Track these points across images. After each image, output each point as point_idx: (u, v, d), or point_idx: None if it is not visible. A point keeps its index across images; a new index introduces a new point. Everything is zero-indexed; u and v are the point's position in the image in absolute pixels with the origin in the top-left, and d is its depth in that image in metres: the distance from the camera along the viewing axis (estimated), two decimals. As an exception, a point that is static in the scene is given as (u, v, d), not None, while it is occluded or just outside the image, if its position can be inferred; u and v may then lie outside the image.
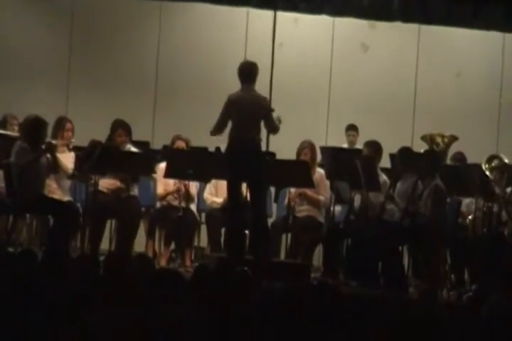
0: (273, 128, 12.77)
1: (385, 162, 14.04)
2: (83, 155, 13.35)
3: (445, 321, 7.03)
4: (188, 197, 13.72)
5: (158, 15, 16.74)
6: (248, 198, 12.93)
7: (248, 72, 12.87)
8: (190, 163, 13.41)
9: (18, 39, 16.34)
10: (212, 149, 13.77)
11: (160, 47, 16.72)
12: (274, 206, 14.16)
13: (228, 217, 13.20)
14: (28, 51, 16.30)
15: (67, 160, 13.34)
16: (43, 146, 13.20)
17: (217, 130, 12.77)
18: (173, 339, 5.59)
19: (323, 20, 16.73)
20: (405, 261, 13.44)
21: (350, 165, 13.52)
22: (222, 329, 5.97)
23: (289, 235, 13.96)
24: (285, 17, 15.79)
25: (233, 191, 12.88)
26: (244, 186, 12.84)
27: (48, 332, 5.89)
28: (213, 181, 13.93)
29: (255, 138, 12.72)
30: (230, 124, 12.70)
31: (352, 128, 15.20)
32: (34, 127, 13.25)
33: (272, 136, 12.96)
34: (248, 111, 12.71)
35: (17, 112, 14.16)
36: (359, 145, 14.59)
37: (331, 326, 6.27)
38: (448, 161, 14.09)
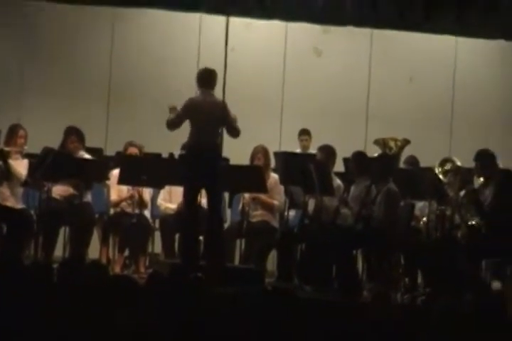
0: (235, 132, 12.91)
1: (339, 166, 14.12)
2: (36, 162, 13.36)
3: (398, 323, 7.11)
4: (141, 204, 13.82)
5: (111, 21, 16.75)
6: (201, 204, 13.05)
7: (207, 78, 12.97)
8: (144, 169, 13.43)
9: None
10: (165, 155, 13.76)
11: (113, 53, 16.74)
12: (228, 211, 14.17)
13: (183, 223, 13.24)
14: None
15: (21, 167, 13.36)
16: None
17: (173, 125, 12.88)
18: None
19: (275, 25, 16.73)
20: (359, 264, 13.50)
21: (303, 169, 13.56)
22: (174, 335, 6.00)
23: (243, 240, 13.97)
24: (238, 22, 15.81)
25: (190, 196, 12.93)
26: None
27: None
28: (167, 187, 13.98)
29: (215, 143, 12.80)
30: (189, 129, 12.80)
31: (305, 133, 15.27)
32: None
33: (224, 141, 12.98)
34: (208, 115, 12.80)
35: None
36: (312, 150, 14.61)
37: (285, 331, 6.26)
38: (401, 165, 14.14)
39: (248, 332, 6.27)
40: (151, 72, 16.44)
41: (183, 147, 13.47)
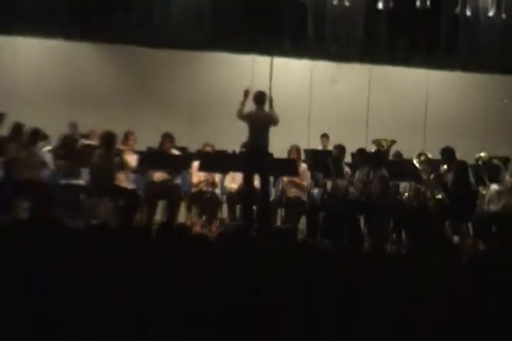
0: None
1: (348, 158, 14.15)
2: (143, 156, 13.51)
3: (386, 265, 7.12)
4: (213, 185, 13.88)
5: (188, 61, 16.74)
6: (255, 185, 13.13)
7: (260, 98, 13.08)
8: (215, 161, 13.53)
9: (98, 76, 16.39)
10: (230, 152, 13.76)
11: (191, 83, 16.70)
12: (273, 190, 14.04)
13: (243, 197, 13.32)
14: (105, 85, 16.33)
15: (132, 160, 13.42)
16: (115, 151, 13.38)
17: (239, 114, 12.90)
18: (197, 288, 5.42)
19: (304, 62, 16.81)
20: (362, 225, 13.52)
21: (323, 161, 13.63)
22: (237, 279, 5.88)
23: (283, 209, 13.98)
24: (279, 61, 15.90)
25: (248, 180, 13.05)
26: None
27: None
28: (231, 173, 13.97)
29: (265, 143, 12.92)
30: (243, 136, 12.88)
31: (324, 136, 15.16)
32: (108, 138, 13.38)
33: (270, 142, 13.04)
34: (260, 123, 12.90)
35: (97, 128, 14.18)
36: (330, 148, 14.57)
37: (311, 271, 6.22)
38: (390, 157, 14.08)
39: (286, 271, 6.16)
40: (219, 96, 16.34)
41: (242, 146, 13.58)
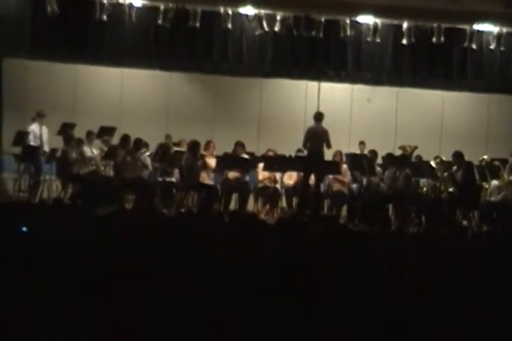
0: (329, 146, 13.29)
1: (379, 160, 14.10)
2: (220, 160, 13.59)
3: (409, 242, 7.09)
4: (275, 181, 13.88)
5: (259, 86, 16.81)
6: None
7: (318, 116, 13.25)
8: (276, 162, 13.59)
9: (187, 98, 16.40)
10: (287, 155, 13.79)
11: (261, 102, 16.78)
12: (321, 185, 13.97)
13: (300, 191, 13.39)
14: (192, 105, 16.36)
15: (212, 162, 13.54)
16: (199, 156, 13.49)
17: (304, 146, 13.39)
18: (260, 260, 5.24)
19: (346, 86, 16.78)
20: (390, 212, 13.51)
21: (360, 162, 13.65)
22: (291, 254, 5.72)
23: (329, 200, 14.01)
24: (326, 85, 15.91)
25: (306, 177, 13.24)
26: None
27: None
28: (288, 172, 13.93)
29: (321, 151, 13.16)
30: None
31: (362, 143, 15.00)
32: (193, 146, 13.50)
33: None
34: (318, 136, 13.03)
35: (186, 138, 14.25)
36: (365, 152, 14.44)
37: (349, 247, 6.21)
38: (412, 159, 14.01)
39: (330, 246, 6.07)
40: (279, 113, 16.35)
41: (297, 151, 13.66)
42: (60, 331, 3.71)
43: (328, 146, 13.32)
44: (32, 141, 13.66)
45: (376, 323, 4.04)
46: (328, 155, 13.83)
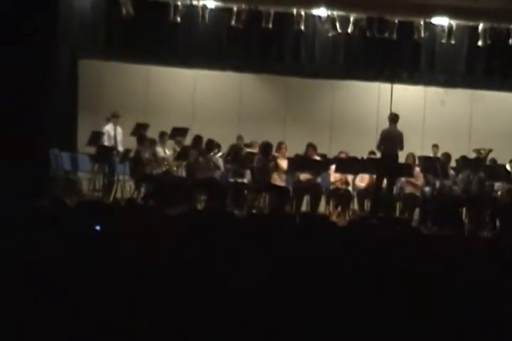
0: (401, 148, 13.13)
1: (453, 163, 13.94)
2: (292, 161, 13.58)
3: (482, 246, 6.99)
4: (346, 183, 13.79)
5: (332, 88, 16.78)
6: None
7: (393, 118, 13.17)
8: (348, 164, 13.53)
9: (259, 99, 16.46)
10: (359, 158, 13.73)
11: (333, 105, 16.72)
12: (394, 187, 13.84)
13: (373, 193, 13.30)
14: (264, 106, 16.37)
15: (284, 164, 13.52)
16: (271, 157, 13.50)
17: (378, 148, 13.25)
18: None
19: (419, 88, 16.66)
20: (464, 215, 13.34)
21: (433, 165, 13.49)
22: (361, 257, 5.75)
23: (401, 203, 13.83)
24: (400, 87, 15.80)
25: (379, 180, 13.17)
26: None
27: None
28: (360, 174, 13.82)
29: (395, 153, 12.99)
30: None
31: (435, 146, 14.81)
32: (265, 147, 13.51)
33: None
34: (392, 139, 12.95)
35: (257, 139, 14.20)
36: (439, 155, 14.23)
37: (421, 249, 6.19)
38: (487, 163, 13.81)
39: (401, 250, 6.11)
40: (352, 115, 16.31)
41: (369, 153, 13.59)
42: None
43: (401, 148, 13.21)
44: (106, 141, 13.86)
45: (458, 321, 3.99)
46: (401, 157, 13.69)
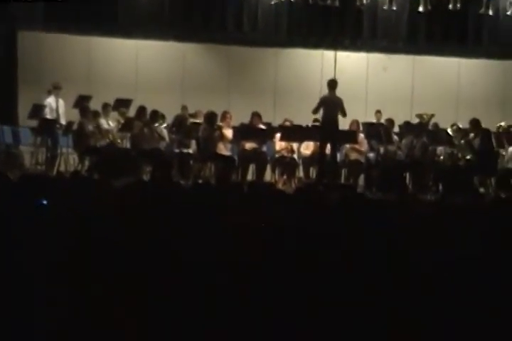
0: (344, 115, 13.00)
1: (396, 129, 14.05)
2: (237, 130, 13.56)
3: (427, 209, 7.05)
4: (291, 151, 13.80)
5: (275, 55, 16.74)
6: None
7: (332, 84, 13.09)
8: (293, 133, 13.52)
9: (202, 69, 16.37)
10: (304, 125, 13.73)
11: (277, 72, 16.73)
12: (338, 154, 13.95)
13: (318, 160, 13.28)
14: (208, 76, 16.33)
15: (229, 133, 13.50)
16: (216, 127, 13.46)
17: (314, 112, 13.06)
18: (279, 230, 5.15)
19: (362, 55, 16.76)
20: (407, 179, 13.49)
21: (377, 131, 13.59)
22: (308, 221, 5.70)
23: (346, 169, 13.92)
24: (341, 54, 15.81)
25: (323, 146, 13.07)
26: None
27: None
28: (305, 142, 13.85)
29: (335, 119, 12.91)
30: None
31: (378, 112, 14.87)
32: (210, 117, 13.47)
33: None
34: (332, 105, 12.90)
35: (202, 109, 14.07)
36: (382, 121, 14.38)
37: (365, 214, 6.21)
38: (429, 127, 13.98)
39: (347, 214, 6.12)
40: (296, 83, 16.37)
41: (313, 121, 13.60)
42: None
43: (344, 115, 13.19)
44: (48, 114, 13.64)
45: (384, 289, 4.02)
46: (345, 124, 13.75)
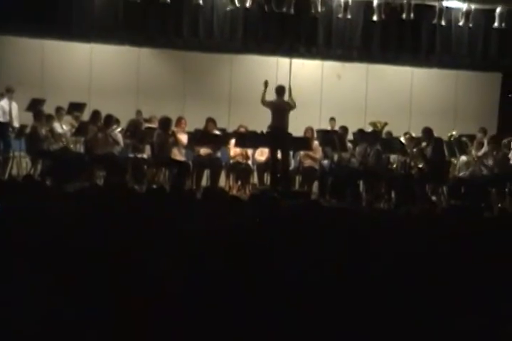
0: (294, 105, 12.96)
1: (350, 136, 14.13)
2: (192, 136, 13.53)
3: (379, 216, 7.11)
4: (246, 157, 13.84)
5: (230, 61, 16.74)
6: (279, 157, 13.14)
7: (280, 90, 13.06)
8: (247, 139, 13.53)
9: (157, 74, 16.30)
10: (259, 132, 13.76)
11: (232, 78, 16.70)
12: (292, 161, 14.02)
13: (270, 167, 13.28)
14: (163, 81, 16.26)
15: (183, 139, 13.47)
16: (170, 132, 13.41)
17: (263, 103, 12.94)
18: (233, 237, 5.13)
19: (316, 63, 16.81)
20: (361, 188, 13.54)
21: (331, 138, 13.65)
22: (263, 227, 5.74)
23: (300, 176, 13.97)
24: (297, 62, 15.86)
25: (274, 153, 13.05)
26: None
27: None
28: (260, 148, 13.90)
29: (285, 125, 12.88)
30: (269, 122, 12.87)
31: (332, 119, 15.02)
32: (165, 122, 13.42)
33: (290, 124, 13.06)
34: (280, 110, 12.88)
35: (156, 114, 14.08)
36: (336, 128, 14.48)
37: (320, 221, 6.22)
38: (383, 136, 14.08)
39: (301, 221, 6.20)
40: (251, 89, 16.12)
41: (268, 128, 13.59)
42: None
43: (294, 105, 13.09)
44: (1, 117, 13.51)
45: (341, 294, 4.05)
46: (299, 131, 13.79)
